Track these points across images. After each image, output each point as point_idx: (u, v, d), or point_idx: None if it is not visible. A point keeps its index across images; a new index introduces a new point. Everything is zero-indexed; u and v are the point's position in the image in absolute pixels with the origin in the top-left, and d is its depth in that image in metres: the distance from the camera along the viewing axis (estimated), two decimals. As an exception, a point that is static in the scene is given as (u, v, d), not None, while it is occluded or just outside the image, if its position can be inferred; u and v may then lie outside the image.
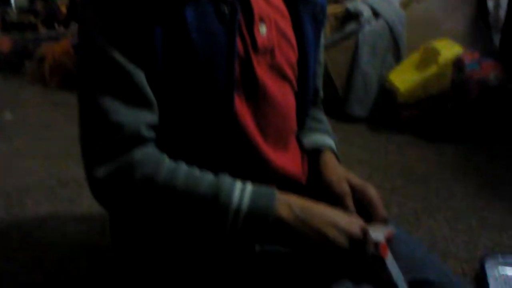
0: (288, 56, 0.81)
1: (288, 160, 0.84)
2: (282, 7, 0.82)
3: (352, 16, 2.80)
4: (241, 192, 0.68)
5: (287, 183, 0.81)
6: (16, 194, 1.80)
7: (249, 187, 0.69)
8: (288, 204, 0.70)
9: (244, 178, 0.71)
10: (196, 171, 0.70)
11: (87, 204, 1.71)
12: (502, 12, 2.77)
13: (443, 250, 1.48)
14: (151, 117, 0.70)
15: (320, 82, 1.00)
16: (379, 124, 2.72)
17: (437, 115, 2.51)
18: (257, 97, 0.77)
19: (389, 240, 0.74)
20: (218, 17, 0.71)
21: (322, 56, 0.97)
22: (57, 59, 3.07)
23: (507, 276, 1.30)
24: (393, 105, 2.63)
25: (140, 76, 0.69)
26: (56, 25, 3.94)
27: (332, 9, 2.81)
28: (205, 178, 0.69)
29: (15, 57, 3.30)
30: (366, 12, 2.75)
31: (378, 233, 0.73)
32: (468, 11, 2.82)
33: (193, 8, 0.69)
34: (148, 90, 0.70)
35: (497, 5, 2.84)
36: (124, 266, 0.88)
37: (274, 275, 0.75)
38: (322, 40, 0.93)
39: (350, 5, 2.82)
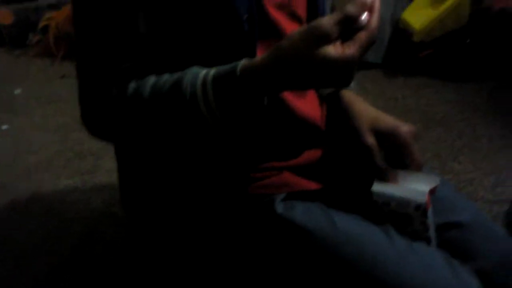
0: None
1: (306, 105, 0.80)
2: None
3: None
4: (206, 72, 0.63)
5: (306, 129, 0.79)
6: (34, 169, 1.80)
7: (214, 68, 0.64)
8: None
9: (263, 123, 0.69)
10: (165, 75, 0.66)
11: (106, 174, 1.70)
12: None
13: (470, 193, 1.45)
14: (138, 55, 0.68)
15: None
16: (395, 69, 2.64)
17: (456, 53, 2.41)
18: (270, 37, 0.72)
19: (432, 192, 0.71)
20: None
21: None
22: (60, 29, 2.98)
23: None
24: (409, 46, 2.54)
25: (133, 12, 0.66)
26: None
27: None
28: (171, 77, 0.65)
29: (18, 29, 3.23)
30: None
31: (421, 184, 0.70)
32: None
33: None
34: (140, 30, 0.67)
35: None
36: (141, 233, 0.87)
37: (294, 241, 0.71)
38: None
39: None
